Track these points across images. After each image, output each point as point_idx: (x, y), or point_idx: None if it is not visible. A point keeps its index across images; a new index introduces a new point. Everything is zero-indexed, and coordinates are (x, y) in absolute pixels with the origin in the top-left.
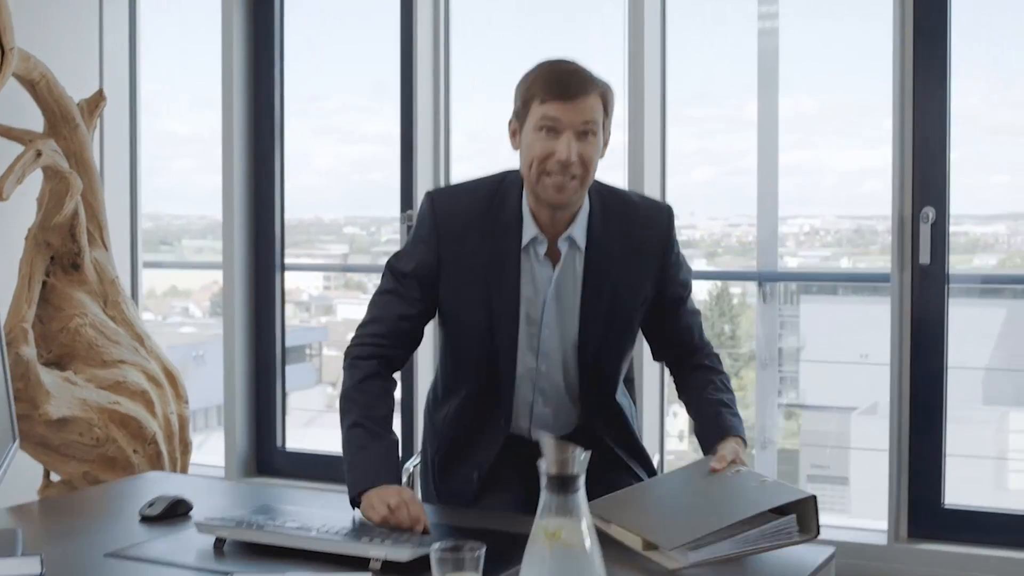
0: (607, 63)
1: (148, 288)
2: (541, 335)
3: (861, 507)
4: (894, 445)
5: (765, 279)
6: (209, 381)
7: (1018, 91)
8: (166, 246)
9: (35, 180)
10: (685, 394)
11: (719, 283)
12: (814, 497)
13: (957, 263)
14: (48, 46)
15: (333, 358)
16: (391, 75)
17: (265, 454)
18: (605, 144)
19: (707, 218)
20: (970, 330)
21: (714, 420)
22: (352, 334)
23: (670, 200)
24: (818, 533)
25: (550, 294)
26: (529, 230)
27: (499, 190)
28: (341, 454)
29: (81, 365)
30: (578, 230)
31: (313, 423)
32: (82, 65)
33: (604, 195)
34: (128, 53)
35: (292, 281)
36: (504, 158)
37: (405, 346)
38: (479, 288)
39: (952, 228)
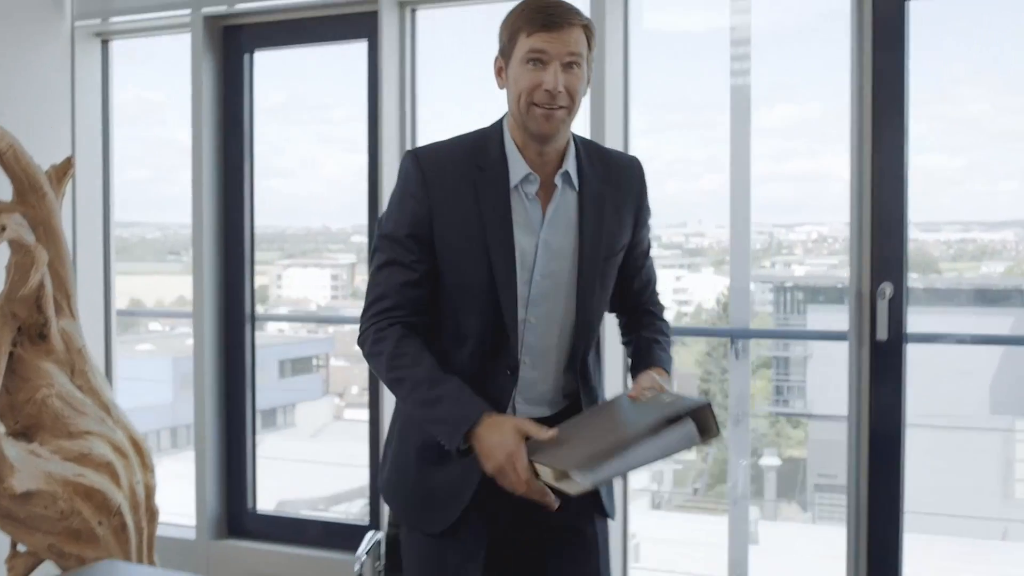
0: None
1: (157, 298)
2: (533, 280)
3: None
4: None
5: (737, 336)
6: None
7: None
8: (173, 255)
9: (5, 248)
10: (627, 335)
11: (726, 291)
12: (708, 403)
13: (965, 270)
14: (19, 111)
15: (340, 368)
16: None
17: (236, 515)
18: (588, 80)
19: (715, 226)
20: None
21: (644, 354)
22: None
23: (679, 209)
24: (718, 434)
25: (543, 236)
26: (520, 168)
27: (480, 138)
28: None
29: (47, 436)
30: (571, 167)
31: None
32: (54, 128)
33: (583, 140)
34: (100, 114)
35: (300, 291)
36: None
37: (420, 312)
38: (475, 233)
39: (960, 235)
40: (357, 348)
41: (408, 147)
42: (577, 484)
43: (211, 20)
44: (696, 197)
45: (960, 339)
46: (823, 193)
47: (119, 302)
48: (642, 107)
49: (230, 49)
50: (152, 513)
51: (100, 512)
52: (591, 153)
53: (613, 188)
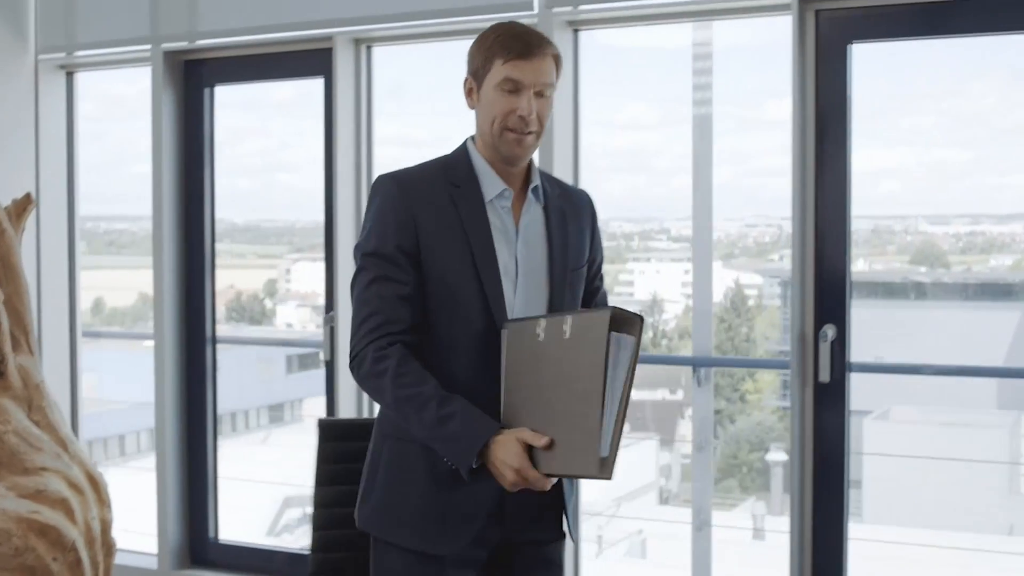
0: None
1: None
2: (516, 290)
3: (874, 512)
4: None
5: (699, 364)
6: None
7: None
8: None
9: None
10: None
11: (734, 284)
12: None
13: (974, 263)
14: None
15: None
16: (408, 77)
17: (198, 545)
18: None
19: (723, 219)
20: (983, 333)
21: None
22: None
23: (688, 203)
24: (642, 319)
25: (519, 247)
26: (494, 183)
27: (446, 160)
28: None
29: (4, 472)
30: (538, 182)
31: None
32: (19, 161)
33: (537, 167)
34: (65, 147)
35: (308, 285)
36: None
37: (415, 329)
38: (460, 245)
39: (970, 228)
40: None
41: (364, 183)
42: (600, 464)
43: (171, 55)
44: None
45: (907, 369)
46: None
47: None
48: (652, 102)
49: (191, 83)
50: (108, 547)
51: (55, 548)
52: (544, 176)
53: (571, 208)
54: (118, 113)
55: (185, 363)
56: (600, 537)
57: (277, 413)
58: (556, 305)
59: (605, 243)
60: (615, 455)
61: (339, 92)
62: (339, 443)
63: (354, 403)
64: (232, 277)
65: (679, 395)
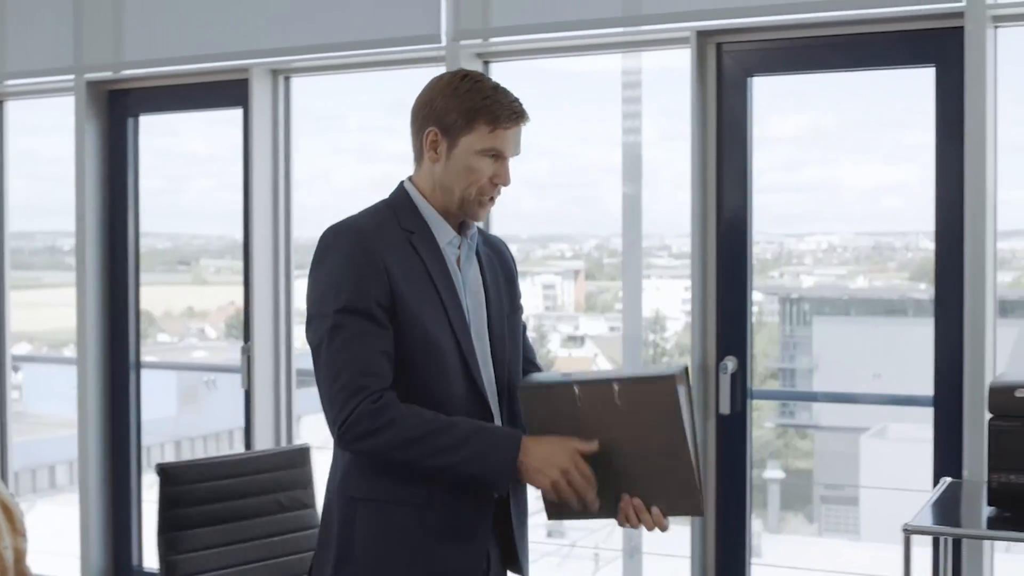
0: None
1: (165, 309)
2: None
3: (870, 531)
4: None
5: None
6: (220, 407)
7: None
8: (183, 266)
9: None
10: None
11: None
12: (676, 372)
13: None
14: None
15: None
16: (409, 94)
17: (122, 572)
18: None
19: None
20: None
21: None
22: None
23: (682, 216)
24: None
25: (469, 294)
26: (446, 231)
27: (389, 208)
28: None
29: None
30: (474, 233)
31: None
32: None
33: None
34: None
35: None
36: None
37: (393, 384)
38: (430, 294)
39: None
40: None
41: (281, 214)
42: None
43: (94, 85)
44: None
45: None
46: (834, 203)
47: None
48: (658, 116)
49: (115, 113)
50: None
51: None
52: (471, 224)
53: (496, 256)
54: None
55: (110, 385)
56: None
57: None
58: (500, 353)
59: (607, 260)
60: (702, 490)
61: (255, 122)
62: (182, 487)
63: (271, 432)
64: (232, 294)
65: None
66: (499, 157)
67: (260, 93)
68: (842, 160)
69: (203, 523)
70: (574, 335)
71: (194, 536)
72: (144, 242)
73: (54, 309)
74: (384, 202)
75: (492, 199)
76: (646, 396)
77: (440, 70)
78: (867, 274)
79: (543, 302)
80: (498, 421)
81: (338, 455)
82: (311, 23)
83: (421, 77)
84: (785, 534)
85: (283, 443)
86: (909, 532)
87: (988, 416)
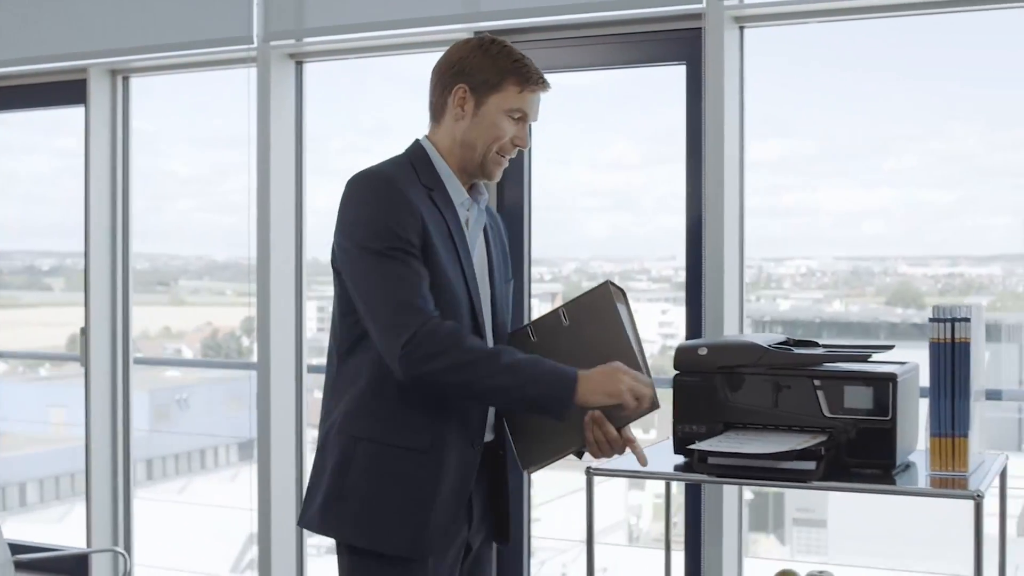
0: None
1: (141, 329)
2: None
3: (838, 553)
4: None
5: None
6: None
7: (1018, 132)
8: (162, 287)
9: None
10: None
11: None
12: (606, 281)
13: (950, 304)
14: None
15: None
16: (393, 116)
17: None
18: None
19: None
20: None
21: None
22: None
23: (669, 243)
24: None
25: (476, 255)
26: (460, 192)
27: (410, 163)
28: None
29: None
30: (486, 196)
31: None
32: None
33: None
34: None
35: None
36: None
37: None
38: (450, 247)
39: (948, 270)
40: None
41: (119, 219)
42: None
43: None
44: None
45: None
46: (814, 227)
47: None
48: (634, 140)
49: None
50: None
51: None
52: (483, 188)
53: (495, 226)
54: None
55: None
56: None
57: (247, 450)
58: (499, 316)
59: (586, 283)
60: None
61: (93, 121)
62: None
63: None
64: (210, 314)
65: (652, 435)
66: (522, 119)
67: (98, 92)
68: (822, 185)
69: None
70: None
71: None
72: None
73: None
74: (403, 155)
75: (508, 159)
76: (587, 307)
77: (252, 72)
78: (844, 298)
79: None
80: None
81: (338, 395)
82: (142, 24)
83: (235, 79)
84: (756, 557)
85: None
86: (592, 474)
87: (674, 373)
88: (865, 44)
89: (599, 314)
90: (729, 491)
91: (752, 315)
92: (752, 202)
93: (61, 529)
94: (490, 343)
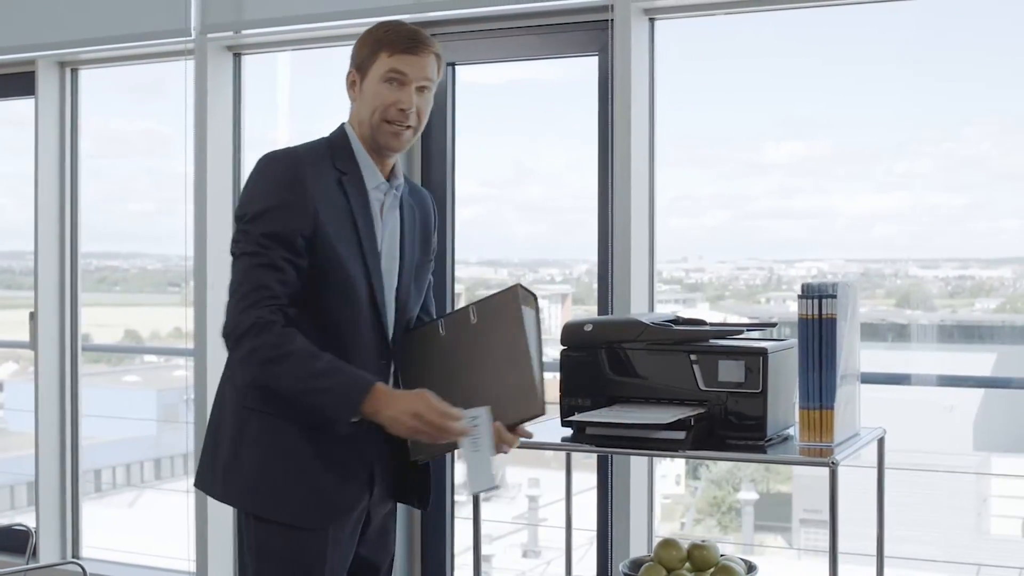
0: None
1: (152, 329)
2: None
3: (845, 552)
4: None
5: None
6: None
7: None
8: (174, 287)
9: None
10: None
11: None
12: (516, 285)
13: (960, 307)
14: None
15: None
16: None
17: None
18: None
19: (716, 261)
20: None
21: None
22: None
23: (680, 245)
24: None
25: (386, 240)
26: (375, 175)
27: (328, 145)
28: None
29: None
30: (400, 177)
31: None
32: None
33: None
34: None
35: None
36: None
37: (296, 305)
38: (349, 233)
39: (958, 272)
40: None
41: (68, 209)
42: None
43: None
44: (700, 232)
45: None
46: (826, 229)
47: (115, 334)
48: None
49: None
50: None
51: None
52: (400, 172)
53: (419, 206)
54: None
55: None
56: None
57: None
58: (404, 297)
59: (596, 286)
60: (544, 396)
61: (42, 114)
62: None
63: None
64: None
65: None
66: (402, 83)
67: (46, 85)
68: (836, 187)
69: None
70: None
71: None
72: (135, 263)
73: None
74: (325, 139)
75: (407, 127)
76: (494, 307)
77: (190, 64)
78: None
79: None
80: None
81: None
82: (88, 15)
83: (173, 71)
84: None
85: None
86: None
87: (561, 349)
88: (879, 46)
89: (504, 316)
90: (637, 466)
91: (761, 316)
92: (764, 204)
93: None
94: (390, 330)
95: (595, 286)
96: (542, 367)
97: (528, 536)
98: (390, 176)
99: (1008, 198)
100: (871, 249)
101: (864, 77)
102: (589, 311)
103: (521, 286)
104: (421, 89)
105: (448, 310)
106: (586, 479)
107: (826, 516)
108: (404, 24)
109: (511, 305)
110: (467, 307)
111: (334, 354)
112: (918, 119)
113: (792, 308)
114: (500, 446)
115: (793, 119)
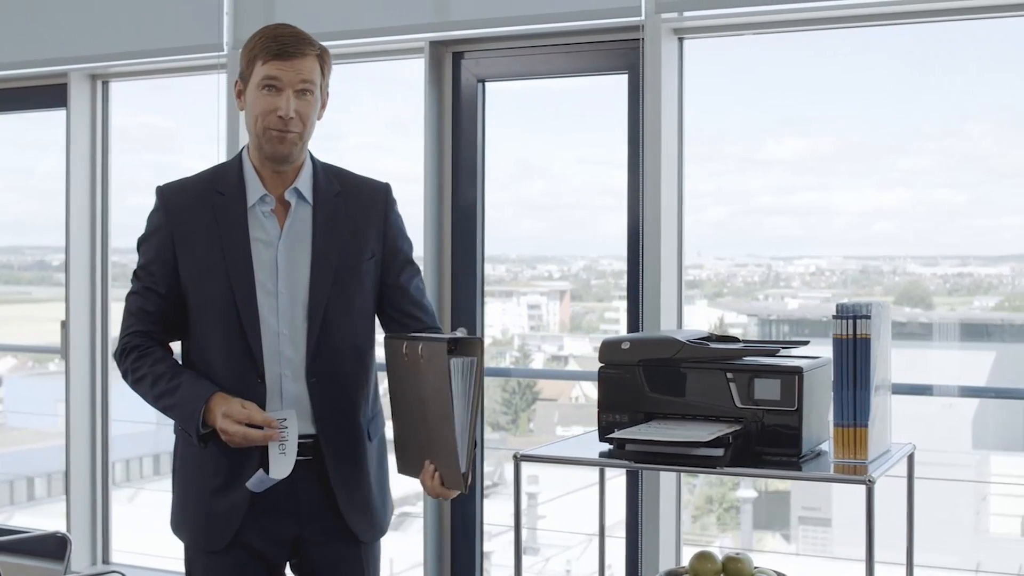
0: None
1: None
2: (278, 293)
3: (843, 548)
4: None
5: None
6: None
7: None
8: None
9: None
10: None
11: (718, 322)
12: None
13: (958, 304)
14: None
15: None
16: (406, 113)
17: None
18: (323, 104)
19: (714, 258)
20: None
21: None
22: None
23: (690, 241)
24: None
25: (281, 250)
26: (256, 189)
27: (221, 168)
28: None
29: None
30: (303, 184)
31: None
32: None
33: (324, 164)
34: None
35: None
36: None
37: (167, 331)
38: (215, 253)
39: (957, 270)
40: None
41: (99, 219)
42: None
43: None
44: (699, 228)
45: None
46: (825, 226)
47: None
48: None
49: None
50: None
51: None
52: (330, 174)
53: (352, 206)
54: None
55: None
56: (568, 572)
57: None
58: (316, 307)
59: (595, 281)
60: (470, 469)
61: (74, 126)
62: None
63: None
64: None
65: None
66: (278, 89)
67: (78, 97)
68: (836, 184)
69: None
70: (558, 355)
71: None
72: (132, 257)
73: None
74: (220, 164)
75: (284, 132)
76: (429, 357)
77: (222, 77)
78: (852, 297)
79: (528, 322)
80: (282, 370)
81: None
82: (120, 31)
83: (207, 84)
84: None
85: None
86: (518, 459)
87: (599, 366)
88: (882, 47)
89: (436, 367)
90: (666, 479)
91: (759, 313)
92: (763, 201)
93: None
94: (265, 351)
95: (593, 282)
96: (475, 424)
97: (527, 533)
98: (295, 180)
99: (1008, 195)
100: (870, 246)
101: (866, 73)
102: (587, 307)
103: (459, 337)
104: (302, 92)
105: (449, 312)
106: (586, 478)
107: (826, 515)
108: (282, 28)
109: (439, 359)
110: (417, 340)
111: (213, 374)
112: (920, 116)
113: (790, 305)
114: (430, 488)
115: (794, 116)
